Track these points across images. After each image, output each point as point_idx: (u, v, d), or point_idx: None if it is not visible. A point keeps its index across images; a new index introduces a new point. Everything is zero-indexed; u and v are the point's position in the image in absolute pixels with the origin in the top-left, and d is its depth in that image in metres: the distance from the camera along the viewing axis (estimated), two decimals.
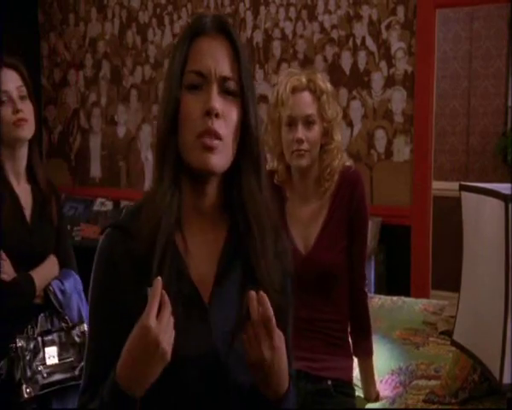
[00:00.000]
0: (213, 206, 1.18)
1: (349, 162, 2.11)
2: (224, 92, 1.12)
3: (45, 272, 2.07)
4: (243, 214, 1.15)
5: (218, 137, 1.10)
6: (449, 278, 4.26)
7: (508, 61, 5.37)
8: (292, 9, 4.15)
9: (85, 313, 2.16)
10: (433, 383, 2.32)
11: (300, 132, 1.97)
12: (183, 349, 1.07)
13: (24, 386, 1.95)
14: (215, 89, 1.11)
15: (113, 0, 4.76)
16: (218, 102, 1.10)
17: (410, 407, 2.18)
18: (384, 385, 2.38)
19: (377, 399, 2.21)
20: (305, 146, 1.98)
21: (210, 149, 1.10)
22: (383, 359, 2.52)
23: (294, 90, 1.99)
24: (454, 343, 1.74)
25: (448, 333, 2.58)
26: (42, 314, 2.05)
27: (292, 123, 1.99)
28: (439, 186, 4.88)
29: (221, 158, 1.12)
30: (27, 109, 2.08)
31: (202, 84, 1.12)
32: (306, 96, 1.99)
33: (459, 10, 5.42)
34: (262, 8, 4.25)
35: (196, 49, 1.13)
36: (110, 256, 1.14)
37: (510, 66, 5.36)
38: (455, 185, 1.89)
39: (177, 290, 1.09)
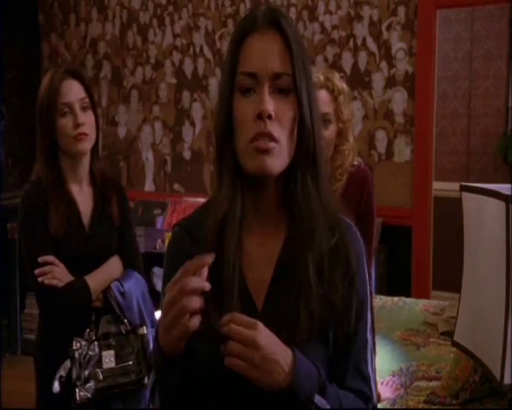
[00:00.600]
0: (273, 207, 1.15)
1: (358, 161, 2.11)
2: (278, 91, 1.09)
3: (103, 276, 2.03)
4: (297, 214, 1.12)
5: (272, 139, 1.07)
6: (449, 278, 4.25)
7: (508, 62, 5.36)
8: (292, 10, 4.15)
9: (147, 315, 2.12)
10: (433, 384, 2.32)
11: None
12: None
13: (77, 389, 1.94)
14: (267, 89, 1.08)
15: (113, 1, 4.76)
16: (270, 104, 1.07)
17: (410, 408, 2.18)
18: (385, 387, 2.37)
19: (378, 400, 2.21)
20: None
21: (264, 151, 1.07)
22: (384, 359, 2.52)
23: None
24: (455, 344, 1.74)
25: (449, 334, 2.58)
26: (103, 317, 2.02)
27: None
28: (440, 187, 4.88)
29: (277, 160, 1.08)
30: (89, 122, 2.04)
31: (254, 86, 1.08)
32: (324, 95, 1.98)
33: (460, 11, 5.41)
34: None
35: (246, 48, 1.10)
36: (170, 253, 1.21)
37: (511, 66, 5.36)
38: (455, 186, 1.88)
39: (230, 291, 1.08)
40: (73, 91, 2.02)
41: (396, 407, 2.23)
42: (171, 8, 4.56)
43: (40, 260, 1.95)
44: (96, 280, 2.00)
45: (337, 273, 1.12)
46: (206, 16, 4.44)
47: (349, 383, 1.16)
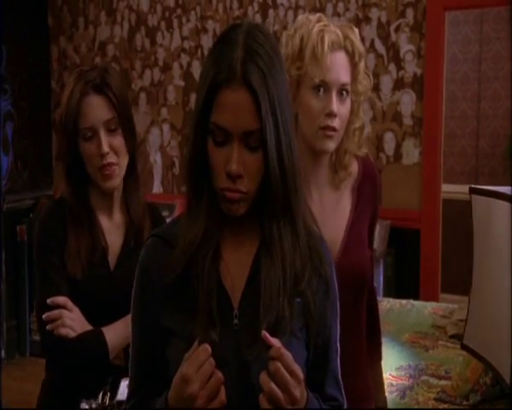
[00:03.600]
0: (249, 217, 1.16)
1: (364, 150, 1.74)
2: (249, 143, 1.09)
3: (125, 329, 1.53)
4: (268, 231, 1.14)
5: (240, 192, 1.10)
6: (458, 281, 4.24)
7: None
8: (300, 12, 4.15)
9: None
10: (443, 382, 2.31)
11: (335, 104, 1.53)
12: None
13: None
14: (236, 147, 1.08)
15: (122, 3, 4.77)
16: (239, 162, 1.08)
17: (421, 405, 2.18)
18: (393, 377, 2.37)
19: (385, 404, 2.19)
20: (336, 123, 1.54)
21: (233, 201, 1.10)
22: (391, 358, 2.51)
23: (332, 47, 1.54)
24: (464, 347, 1.73)
25: (458, 337, 2.57)
26: (123, 379, 1.56)
27: (323, 89, 1.53)
28: (449, 189, 4.86)
29: (244, 205, 1.12)
30: (117, 146, 1.64)
31: (226, 138, 1.09)
32: (342, 59, 1.55)
33: (468, 12, 5.39)
34: (271, 11, 4.25)
35: (220, 100, 1.09)
36: (145, 266, 1.19)
37: None
38: (464, 188, 1.88)
39: (208, 293, 1.11)
40: (97, 112, 1.63)
41: (406, 399, 2.22)
42: (179, 10, 4.57)
43: (49, 301, 1.59)
44: (116, 334, 1.60)
45: (311, 278, 1.15)
46: (215, 19, 4.45)
47: (327, 390, 1.21)
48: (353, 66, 1.56)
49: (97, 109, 1.63)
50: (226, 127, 1.08)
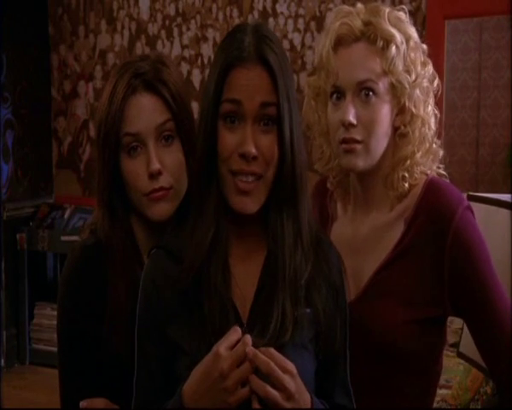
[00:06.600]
0: (255, 227, 1.15)
1: (439, 168, 1.39)
2: (262, 123, 1.07)
3: None
4: (273, 241, 1.12)
5: (255, 175, 1.07)
6: None
7: None
8: (300, 21, 4.16)
9: None
10: (444, 391, 2.30)
11: (349, 110, 1.23)
12: None
13: None
14: (250, 127, 1.06)
15: (122, 12, 4.79)
16: (253, 143, 1.05)
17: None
18: None
19: None
20: (357, 133, 1.24)
21: (245, 192, 1.06)
22: None
23: (341, 42, 1.26)
24: (460, 355, 1.73)
25: (458, 345, 2.56)
26: None
27: (338, 96, 1.27)
28: None
29: (257, 198, 1.08)
30: (172, 164, 1.23)
31: (238, 116, 1.06)
32: (362, 51, 1.25)
33: (468, 21, 5.40)
34: (271, 20, 4.26)
35: (232, 80, 1.07)
36: (153, 279, 1.15)
37: None
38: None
39: (217, 308, 1.08)
40: (146, 114, 1.22)
41: None
42: (179, 19, 4.58)
43: (83, 405, 1.18)
44: None
45: (320, 287, 1.13)
46: (215, 27, 4.46)
47: (336, 398, 1.18)
48: (381, 54, 1.25)
49: (148, 110, 1.22)
50: (241, 99, 1.05)
